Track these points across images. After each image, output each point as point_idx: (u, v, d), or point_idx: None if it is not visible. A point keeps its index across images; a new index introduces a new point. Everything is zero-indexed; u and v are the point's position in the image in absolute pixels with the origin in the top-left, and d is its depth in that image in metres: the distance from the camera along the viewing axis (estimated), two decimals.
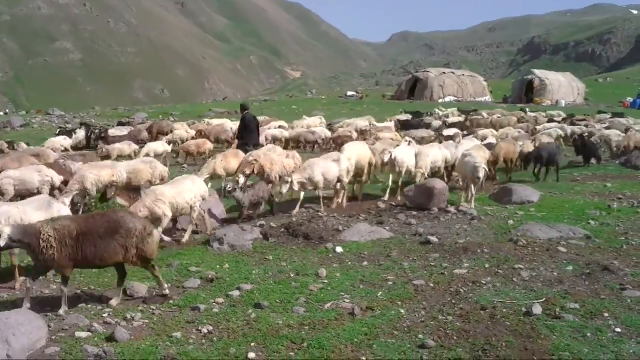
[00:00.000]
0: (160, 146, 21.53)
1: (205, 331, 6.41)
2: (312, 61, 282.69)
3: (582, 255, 8.87)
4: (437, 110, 40.20)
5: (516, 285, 7.60)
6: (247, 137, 17.31)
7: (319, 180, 12.22)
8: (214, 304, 7.22)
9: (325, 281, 7.96)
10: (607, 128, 27.15)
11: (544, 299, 6.98)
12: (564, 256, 8.82)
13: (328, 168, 12.45)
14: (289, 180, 11.78)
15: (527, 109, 42.39)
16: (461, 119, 34.20)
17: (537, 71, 65.87)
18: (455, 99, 60.94)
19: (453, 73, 68.88)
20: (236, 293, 7.53)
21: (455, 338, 6.09)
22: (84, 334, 6.35)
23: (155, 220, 9.51)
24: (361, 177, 14.23)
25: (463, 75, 69.03)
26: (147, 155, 19.51)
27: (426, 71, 69.09)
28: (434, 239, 9.83)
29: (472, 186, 12.62)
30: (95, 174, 13.14)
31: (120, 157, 20.41)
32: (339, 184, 13.02)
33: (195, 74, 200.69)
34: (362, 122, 29.85)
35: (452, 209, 12.12)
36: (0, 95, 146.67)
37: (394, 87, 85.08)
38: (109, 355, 5.80)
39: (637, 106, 51.01)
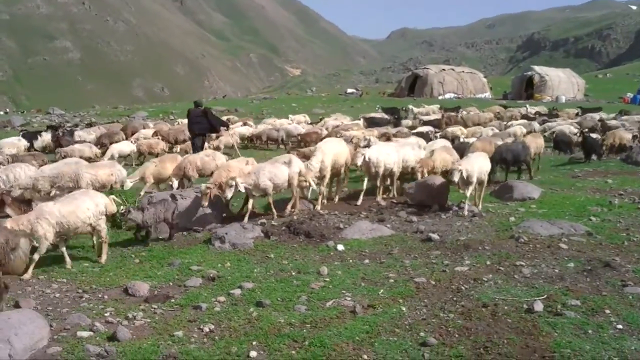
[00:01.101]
0: (126, 146, 21.21)
1: (207, 330, 6.41)
2: (311, 58, 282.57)
3: (583, 251, 8.87)
4: (410, 107, 40.05)
5: (517, 282, 7.60)
6: (189, 129, 19.21)
7: (266, 186, 11.33)
8: (216, 302, 7.22)
9: (327, 279, 7.96)
10: (579, 123, 27.36)
11: (545, 296, 6.98)
12: (565, 253, 8.82)
13: (276, 172, 11.58)
14: (233, 184, 10.95)
15: (527, 105, 42.41)
16: (438, 116, 34.04)
17: (536, 67, 65.80)
18: (455, 95, 60.89)
19: (453, 70, 68.84)
20: (237, 291, 7.53)
21: (457, 335, 6.09)
22: (85, 333, 6.35)
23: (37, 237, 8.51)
24: (339, 176, 13.78)
25: (463, 71, 68.98)
26: (112, 156, 19.47)
27: (426, 68, 69.05)
28: (435, 236, 9.83)
29: (466, 190, 11.71)
30: (92, 173, 13.27)
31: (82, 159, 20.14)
32: (301, 188, 12.50)
33: (195, 72, 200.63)
34: (333, 121, 29.99)
35: (453, 205, 12.12)
36: (0, 95, 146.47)
37: (393, 84, 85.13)
38: (110, 354, 5.81)
39: (637, 102, 50.96)
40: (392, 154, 13.54)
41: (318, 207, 12.56)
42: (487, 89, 66.21)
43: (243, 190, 11.18)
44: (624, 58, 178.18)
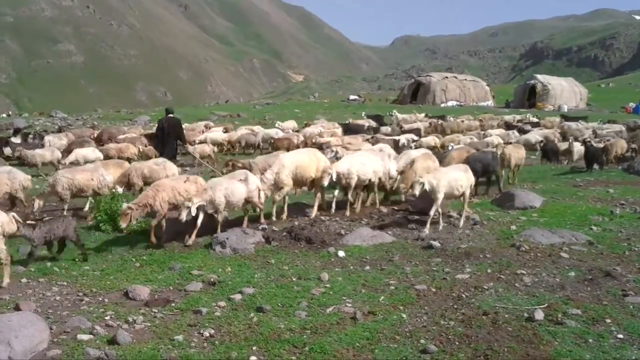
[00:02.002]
0: (91, 152, 20.76)
1: (207, 334, 6.41)
2: (314, 64, 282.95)
3: (584, 260, 8.86)
4: (395, 112, 40.10)
5: (518, 290, 7.60)
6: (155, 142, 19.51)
7: (220, 203, 10.59)
8: (216, 307, 7.22)
9: (327, 285, 7.96)
10: (562, 132, 27.46)
11: (546, 305, 6.97)
12: (566, 262, 8.81)
13: (233, 189, 10.86)
14: (189, 205, 10.07)
15: (529, 114, 42.53)
16: (425, 124, 34.02)
17: (539, 76, 65.91)
18: (458, 103, 60.98)
19: (455, 77, 68.97)
20: (238, 296, 7.53)
21: (457, 343, 6.09)
22: (85, 337, 6.35)
23: None
24: (308, 187, 13.03)
25: (465, 79, 69.10)
26: (75, 162, 19.16)
27: (429, 75, 69.16)
28: (436, 243, 9.83)
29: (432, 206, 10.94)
30: (69, 177, 12.95)
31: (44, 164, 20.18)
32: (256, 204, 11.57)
33: (198, 77, 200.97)
34: (312, 128, 29.99)
35: (454, 213, 12.11)
36: (3, 97, 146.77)
37: (396, 91, 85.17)
38: (110, 358, 5.81)
39: (639, 111, 50.99)
40: (367, 163, 12.71)
41: (275, 218, 11.95)
42: (489, 97, 66.28)
43: (194, 214, 10.23)
44: (627, 68, 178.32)
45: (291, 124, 33.34)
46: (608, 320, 6.52)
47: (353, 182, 12.29)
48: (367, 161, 12.75)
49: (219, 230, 10.84)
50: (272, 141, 25.80)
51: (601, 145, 20.95)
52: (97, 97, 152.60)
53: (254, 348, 6.05)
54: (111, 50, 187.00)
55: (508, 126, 33.10)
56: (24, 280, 8.60)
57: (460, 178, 11.16)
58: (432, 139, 24.53)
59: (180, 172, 15.14)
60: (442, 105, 59.37)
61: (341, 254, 9.55)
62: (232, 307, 7.24)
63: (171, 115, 19.14)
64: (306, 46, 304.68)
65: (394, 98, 69.52)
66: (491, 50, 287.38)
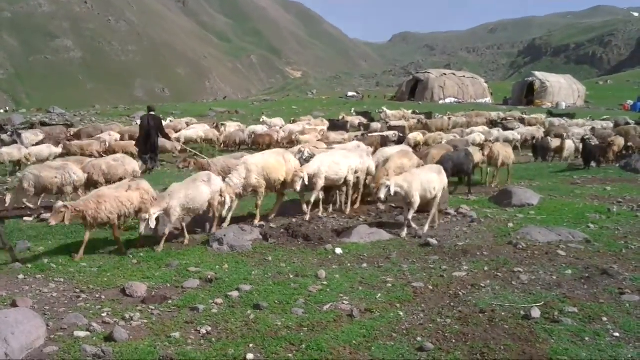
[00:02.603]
0: (45, 149, 20.71)
1: (204, 331, 6.41)
2: (313, 61, 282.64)
3: (581, 258, 8.87)
4: (384, 109, 40.23)
5: (515, 288, 7.60)
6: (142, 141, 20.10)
7: (176, 212, 9.99)
8: (213, 304, 7.23)
9: (325, 282, 7.96)
10: (547, 130, 27.58)
11: (543, 303, 6.98)
12: (563, 260, 8.82)
13: (194, 194, 10.27)
14: (146, 217, 9.53)
15: (525, 112, 42.62)
16: (413, 121, 34.14)
17: (537, 73, 65.84)
18: (456, 100, 60.94)
19: (454, 74, 68.88)
20: (235, 294, 7.53)
21: (454, 341, 6.09)
22: (82, 334, 6.35)
23: None
24: (278, 190, 12.20)
25: (464, 76, 69.03)
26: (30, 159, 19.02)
27: (427, 72, 69.07)
28: (433, 241, 9.84)
29: (406, 211, 10.60)
30: (35, 173, 12.96)
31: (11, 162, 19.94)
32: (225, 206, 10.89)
33: (196, 73, 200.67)
34: (292, 125, 30.08)
35: (451, 211, 12.13)
36: (1, 93, 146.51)
37: (394, 87, 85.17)
38: (107, 354, 5.81)
39: (637, 109, 51.02)
40: (341, 162, 12.21)
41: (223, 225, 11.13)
42: (487, 94, 66.23)
43: (154, 226, 9.73)
44: (625, 65, 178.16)
45: (278, 120, 33.28)
46: (604, 319, 6.53)
47: (320, 183, 11.69)
48: (341, 159, 12.25)
49: (214, 228, 10.95)
50: (253, 137, 25.93)
51: (603, 143, 21.02)
52: (95, 93, 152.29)
53: (251, 345, 6.05)
54: (109, 46, 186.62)
55: (493, 123, 33.19)
56: (20, 276, 8.60)
57: (433, 180, 10.71)
58: (418, 135, 24.56)
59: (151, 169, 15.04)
60: (441, 102, 59.35)
61: (339, 251, 9.56)
62: (229, 304, 7.24)
63: (153, 113, 20.45)
64: (304, 42, 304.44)
65: (392, 95, 69.46)
66: (489, 47, 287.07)
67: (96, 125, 31.13)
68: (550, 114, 40.30)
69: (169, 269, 8.87)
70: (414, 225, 10.57)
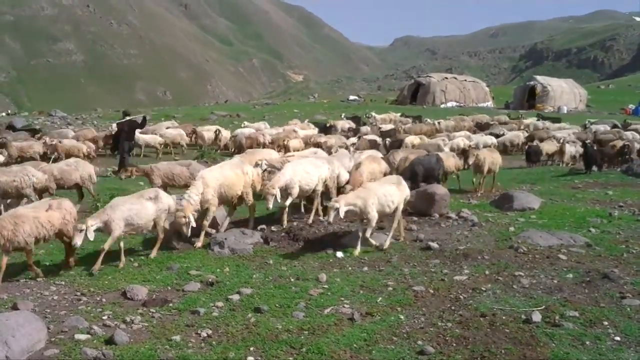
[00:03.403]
0: None
1: (205, 335, 6.42)
2: (314, 64, 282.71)
3: (582, 262, 8.87)
4: (373, 114, 40.32)
5: (516, 292, 7.60)
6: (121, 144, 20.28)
7: (118, 226, 9.11)
8: (214, 307, 7.23)
9: (325, 286, 7.97)
10: (531, 136, 27.50)
11: (544, 307, 6.98)
12: (564, 263, 8.82)
13: (138, 209, 9.44)
14: (83, 228, 8.72)
15: (522, 115, 42.89)
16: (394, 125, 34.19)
17: (539, 77, 65.88)
18: (457, 104, 60.90)
19: (455, 78, 68.87)
20: (236, 297, 7.53)
21: (455, 345, 6.09)
22: (83, 337, 6.36)
23: None
24: (232, 204, 11.43)
25: (465, 80, 69.00)
26: None
27: (428, 76, 69.07)
28: (434, 244, 9.84)
29: (362, 229, 9.85)
30: None
31: None
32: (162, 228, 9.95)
33: (198, 77, 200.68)
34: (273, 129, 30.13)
35: (453, 214, 12.12)
36: (2, 96, 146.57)
37: (396, 91, 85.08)
38: (108, 358, 5.82)
39: (639, 113, 51.01)
40: (312, 171, 11.70)
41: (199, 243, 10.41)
42: (489, 98, 66.20)
43: (92, 239, 8.84)
44: (627, 69, 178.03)
45: (262, 125, 33.28)
46: (605, 323, 6.53)
47: (295, 192, 11.17)
48: (312, 169, 11.77)
49: (154, 252, 9.93)
50: (237, 141, 26.15)
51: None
52: (96, 96, 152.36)
53: (252, 348, 6.05)
54: (111, 50, 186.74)
55: (480, 127, 33.19)
56: (21, 279, 8.60)
57: (391, 193, 9.94)
58: (415, 139, 24.54)
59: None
60: (442, 106, 59.30)
61: (339, 254, 9.56)
62: (230, 307, 7.25)
63: (128, 117, 21.05)
64: (306, 46, 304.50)
65: (394, 99, 69.48)
66: (491, 51, 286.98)
67: (62, 131, 30.55)
68: (541, 117, 40.50)
69: (170, 272, 8.88)
70: (373, 242, 9.81)
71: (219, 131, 28.64)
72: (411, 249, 9.88)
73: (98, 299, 7.76)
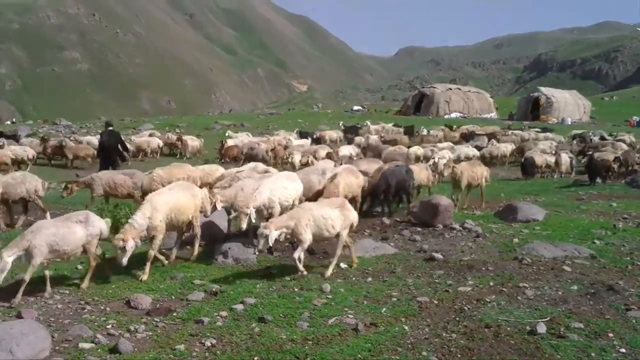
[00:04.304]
0: None
1: (209, 344, 6.40)
2: (318, 74, 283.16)
3: (586, 274, 8.85)
4: (368, 122, 40.54)
5: (520, 303, 7.59)
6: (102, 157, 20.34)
7: (40, 252, 8.08)
8: (218, 317, 7.22)
9: (329, 296, 7.95)
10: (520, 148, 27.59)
11: (549, 318, 6.96)
12: (568, 275, 8.81)
13: (64, 233, 8.40)
14: None
15: (524, 126, 43.17)
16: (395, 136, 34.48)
17: (543, 88, 66.02)
18: (461, 115, 61.06)
19: (459, 89, 69.11)
20: (240, 307, 7.52)
21: (459, 356, 6.08)
22: (87, 345, 6.36)
23: None
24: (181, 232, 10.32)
25: (469, 91, 69.23)
26: None
27: (432, 87, 69.34)
28: (438, 255, 9.83)
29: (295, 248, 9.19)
30: None
31: None
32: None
33: (202, 86, 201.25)
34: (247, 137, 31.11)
35: (457, 225, 12.12)
36: (8, 104, 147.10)
37: (400, 102, 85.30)
38: None
39: None
40: (290, 187, 11.12)
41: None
42: (493, 109, 66.39)
43: (5, 272, 7.80)
44: (631, 81, 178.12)
45: (244, 135, 33.48)
46: (610, 335, 6.51)
47: (276, 211, 10.54)
48: (289, 183, 11.21)
49: (85, 282, 8.78)
50: (224, 150, 26.43)
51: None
52: (101, 105, 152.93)
53: (256, 358, 6.04)
54: (116, 58, 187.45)
55: (465, 138, 33.32)
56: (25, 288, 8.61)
57: (332, 216, 9.10)
58: (418, 149, 24.61)
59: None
60: (446, 116, 59.47)
61: (343, 265, 9.55)
62: (233, 317, 7.24)
63: (111, 128, 20.88)
64: (310, 56, 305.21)
65: (397, 109, 69.62)
66: (495, 61, 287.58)
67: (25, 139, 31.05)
68: (521, 129, 41.28)
69: (174, 281, 8.88)
70: (301, 268, 8.99)
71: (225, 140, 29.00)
72: (415, 260, 9.87)
73: (102, 307, 7.75)
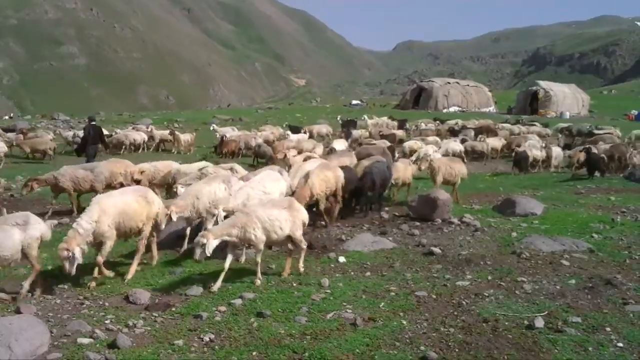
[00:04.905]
0: None
1: (207, 339, 6.41)
2: (317, 69, 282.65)
3: (584, 268, 8.87)
4: (365, 117, 40.55)
5: (518, 298, 7.60)
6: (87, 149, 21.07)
7: None
8: (216, 312, 7.23)
9: (328, 291, 7.96)
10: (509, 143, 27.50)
11: (546, 312, 6.97)
12: (566, 269, 8.82)
13: (1, 237, 7.73)
14: None
15: (522, 120, 43.29)
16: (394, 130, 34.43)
17: (541, 82, 65.95)
18: (460, 109, 61.02)
19: (458, 83, 69.01)
20: (238, 301, 7.53)
21: (457, 350, 6.09)
22: (85, 340, 6.36)
23: None
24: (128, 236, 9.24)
25: (468, 85, 69.16)
26: None
27: (431, 81, 69.23)
28: (436, 250, 9.84)
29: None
30: None
31: None
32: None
33: (200, 80, 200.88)
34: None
35: (455, 219, 12.12)
36: (5, 99, 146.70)
37: (398, 96, 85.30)
38: None
39: None
40: (273, 189, 10.48)
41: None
42: (491, 103, 66.36)
43: None
44: (629, 75, 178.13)
45: (229, 129, 33.43)
46: (608, 329, 6.52)
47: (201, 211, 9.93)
48: (273, 185, 10.58)
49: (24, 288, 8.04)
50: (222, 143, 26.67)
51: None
52: (99, 99, 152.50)
53: (254, 353, 6.05)
54: (114, 53, 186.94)
55: (452, 132, 33.23)
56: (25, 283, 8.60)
57: (279, 217, 8.57)
58: (415, 143, 24.51)
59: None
60: (445, 110, 59.43)
61: (342, 259, 9.57)
62: (232, 312, 7.25)
63: (94, 122, 21.81)
64: (309, 50, 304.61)
65: (396, 103, 69.60)
66: (494, 56, 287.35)
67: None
68: (518, 122, 41.19)
69: (173, 276, 8.88)
70: (259, 275, 8.52)
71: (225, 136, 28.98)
72: (414, 254, 9.88)
73: (101, 303, 7.75)
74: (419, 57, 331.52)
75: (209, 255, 8.04)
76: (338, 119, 42.56)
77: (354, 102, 75.41)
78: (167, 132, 31.52)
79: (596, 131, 33.44)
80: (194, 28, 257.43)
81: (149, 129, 31.63)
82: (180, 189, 11.21)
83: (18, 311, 7.18)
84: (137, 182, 14.24)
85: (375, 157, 15.18)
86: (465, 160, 21.97)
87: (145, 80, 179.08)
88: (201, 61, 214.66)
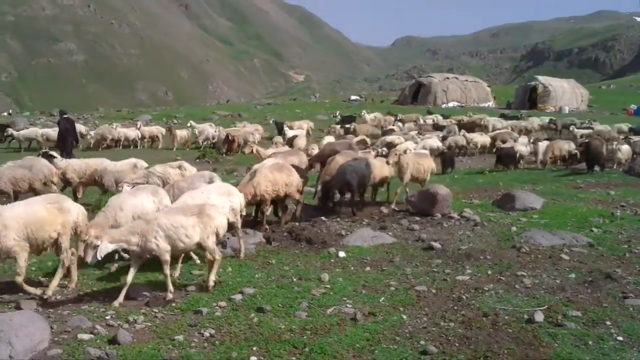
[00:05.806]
0: None
1: (207, 335, 6.41)
2: (315, 64, 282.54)
3: (584, 262, 8.88)
4: (364, 112, 40.62)
5: (518, 292, 7.60)
6: (60, 144, 21.34)
7: None
8: (216, 307, 7.23)
9: (328, 286, 7.96)
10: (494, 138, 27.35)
11: (546, 306, 6.98)
12: (566, 263, 8.83)
13: None
14: None
15: (521, 114, 43.31)
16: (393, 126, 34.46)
17: (540, 77, 65.92)
18: (459, 104, 60.97)
19: (456, 78, 69.00)
20: (238, 297, 7.53)
21: (457, 344, 6.09)
22: (86, 336, 6.35)
23: None
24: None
25: (466, 80, 69.15)
26: None
27: (430, 76, 69.21)
28: (436, 244, 9.84)
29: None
30: None
31: None
32: None
33: (199, 77, 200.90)
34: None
35: (455, 214, 12.12)
36: (4, 96, 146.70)
37: (397, 91, 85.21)
38: (111, 357, 5.80)
39: None
40: (222, 202, 9.28)
41: None
42: (490, 98, 66.33)
43: None
44: (628, 69, 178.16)
45: (207, 125, 33.38)
46: (608, 323, 6.53)
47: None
48: (220, 199, 9.32)
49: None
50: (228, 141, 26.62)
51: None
52: (97, 96, 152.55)
53: (254, 348, 6.05)
54: (112, 50, 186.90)
55: (436, 128, 33.22)
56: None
57: (184, 224, 7.70)
58: (398, 138, 24.42)
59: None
60: (443, 105, 59.40)
61: (342, 254, 9.56)
62: (232, 307, 7.24)
63: (66, 116, 22.28)
64: (307, 46, 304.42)
65: (395, 99, 69.58)
66: (492, 51, 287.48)
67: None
68: (504, 116, 41.22)
69: (173, 272, 8.86)
70: (170, 288, 7.68)
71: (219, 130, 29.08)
72: (413, 249, 9.88)
73: (101, 298, 7.74)
74: (417, 52, 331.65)
75: (100, 259, 7.27)
76: (337, 114, 42.55)
77: (353, 97, 75.32)
78: (154, 128, 31.63)
79: (577, 130, 32.88)
80: (191, 24, 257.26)
81: (138, 126, 31.47)
82: (127, 187, 10.74)
83: (18, 307, 7.18)
84: (66, 179, 14.56)
85: (347, 151, 14.75)
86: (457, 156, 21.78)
87: (143, 77, 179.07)
88: (199, 57, 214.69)
